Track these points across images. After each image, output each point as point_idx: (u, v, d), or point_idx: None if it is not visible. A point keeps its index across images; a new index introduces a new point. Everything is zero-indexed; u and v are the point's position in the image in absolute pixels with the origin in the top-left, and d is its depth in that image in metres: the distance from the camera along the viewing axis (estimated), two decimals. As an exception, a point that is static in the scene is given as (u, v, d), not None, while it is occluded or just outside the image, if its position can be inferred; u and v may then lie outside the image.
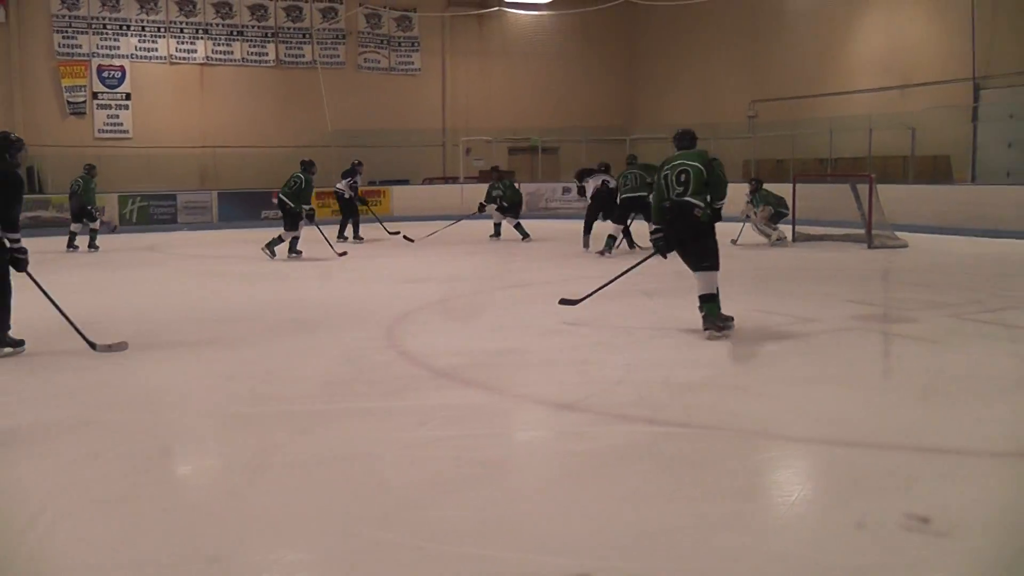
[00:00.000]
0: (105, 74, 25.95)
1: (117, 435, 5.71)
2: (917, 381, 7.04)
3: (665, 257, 8.93)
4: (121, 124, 26.21)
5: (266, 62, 27.89)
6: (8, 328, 7.86)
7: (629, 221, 16.09)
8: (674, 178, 8.53)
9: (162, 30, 26.51)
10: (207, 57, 27.09)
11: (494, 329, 9.36)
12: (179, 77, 26.85)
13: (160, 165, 25.55)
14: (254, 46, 27.73)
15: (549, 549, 4.01)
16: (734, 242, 16.86)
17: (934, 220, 18.07)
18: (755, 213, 16.93)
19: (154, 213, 24.02)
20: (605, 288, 9.66)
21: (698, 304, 8.43)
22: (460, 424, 5.92)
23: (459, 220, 20.41)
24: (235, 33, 27.43)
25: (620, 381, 6.96)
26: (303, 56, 28.32)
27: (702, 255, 8.45)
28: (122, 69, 26.12)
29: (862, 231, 16.65)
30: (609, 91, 32.07)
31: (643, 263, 9.68)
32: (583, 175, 17.21)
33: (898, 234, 16.90)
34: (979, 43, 21.09)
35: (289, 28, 28.13)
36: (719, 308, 8.38)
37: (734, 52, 28.35)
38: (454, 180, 28.24)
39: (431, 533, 4.17)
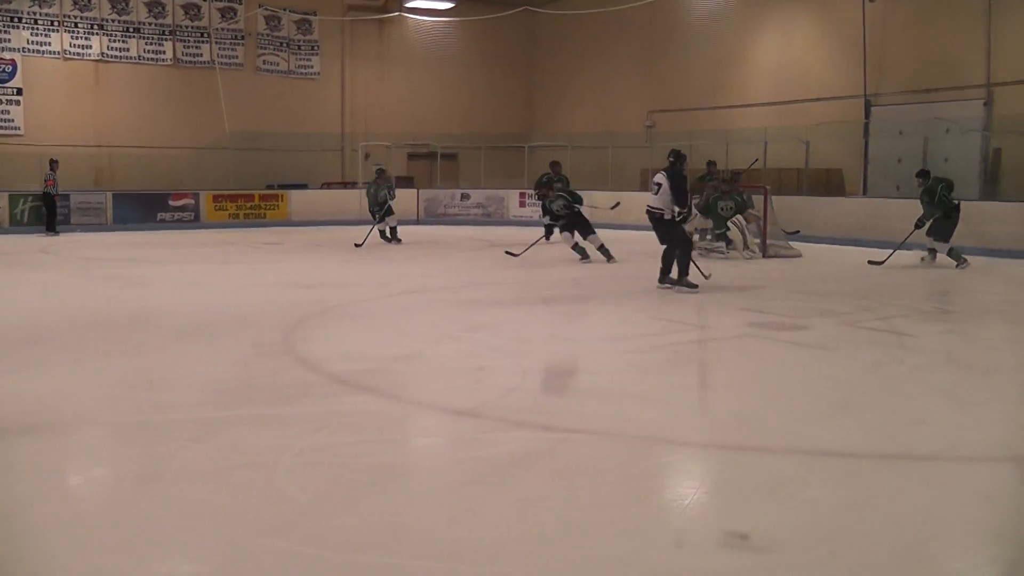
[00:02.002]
0: (-6, 68, 25.31)
1: (2, 447, 5.57)
2: (807, 387, 7.20)
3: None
4: (12, 120, 25.49)
5: (163, 61, 27.36)
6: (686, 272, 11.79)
7: None
8: (948, 188, 14.83)
9: (56, 24, 25.86)
10: (102, 54, 26.47)
11: (391, 335, 9.33)
12: (73, 73, 26.20)
13: (53, 163, 24.97)
14: (151, 44, 27.17)
15: (445, 555, 4.01)
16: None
17: (827, 231, 18.46)
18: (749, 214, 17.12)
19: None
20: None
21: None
22: (356, 430, 5.89)
23: None
24: (131, 30, 26.87)
25: (516, 387, 6.99)
26: (201, 56, 27.85)
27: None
28: (13, 63, 25.41)
29: (757, 240, 16.95)
30: (509, 98, 32.15)
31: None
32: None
33: (792, 244, 17.25)
34: (870, 62, 21.67)
35: (187, 27, 27.65)
36: None
37: (633, 63, 28.65)
38: (353, 185, 28.05)
39: (328, 542, 4.14)
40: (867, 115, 21.96)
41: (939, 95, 20.28)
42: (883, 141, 21.46)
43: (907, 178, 19.48)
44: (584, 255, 15.77)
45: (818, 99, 22.92)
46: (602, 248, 15.76)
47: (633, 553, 4.05)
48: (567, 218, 16.01)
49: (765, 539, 4.17)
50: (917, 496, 4.80)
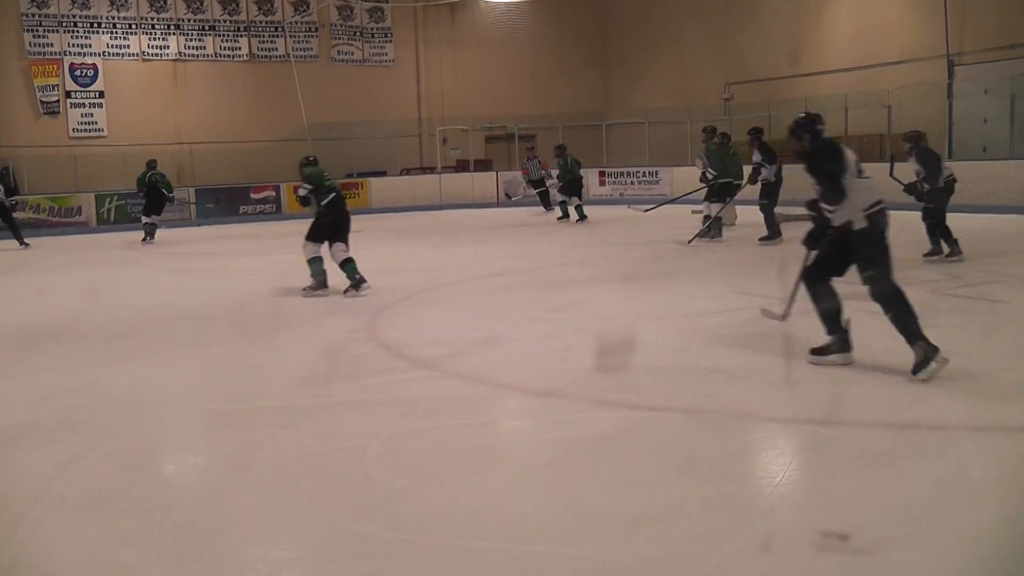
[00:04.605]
0: (77, 72, 25.73)
1: (100, 435, 5.68)
2: (897, 359, 7.06)
3: None
4: (95, 123, 26.00)
5: (239, 56, 27.71)
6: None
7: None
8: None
9: (133, 27, 26.30)
10: (180, 53, 26.89)
11: (474, 318, 9.35)
12: (152, 74, 26.65)
13: (136, 163, 25.19)
14: (226, 41, 27.53)
15: (534, 538, 4.01)
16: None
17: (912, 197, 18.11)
18: None
19: (132, 211, 23.76)
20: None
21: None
22: (442, 414, 5.90)
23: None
24: (207, 28, 27.23)
25: (601, 367, 6.96)
26: (276, 50, 28.14)
27: None
28: (95, 67, 25.91)
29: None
30: (584, 77, 31.94)
31: None
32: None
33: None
34: (952, 20, 21.16)
35: (261, 22, 27.93)
36: None
37: (708, 35, 28.32)
38: (432, 170, 28.15)
39: (416, 525, 4.16)
40: (950, 75, 21.45)
41: (1025, 50, 19.74)
42: (968, 101, 20.94)
43: (993, 139, 19.04)
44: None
45: (899, 62, 22.44)
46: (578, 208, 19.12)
47: (724, 531, 4.01)
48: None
49: (857, 517, 4.11)
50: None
